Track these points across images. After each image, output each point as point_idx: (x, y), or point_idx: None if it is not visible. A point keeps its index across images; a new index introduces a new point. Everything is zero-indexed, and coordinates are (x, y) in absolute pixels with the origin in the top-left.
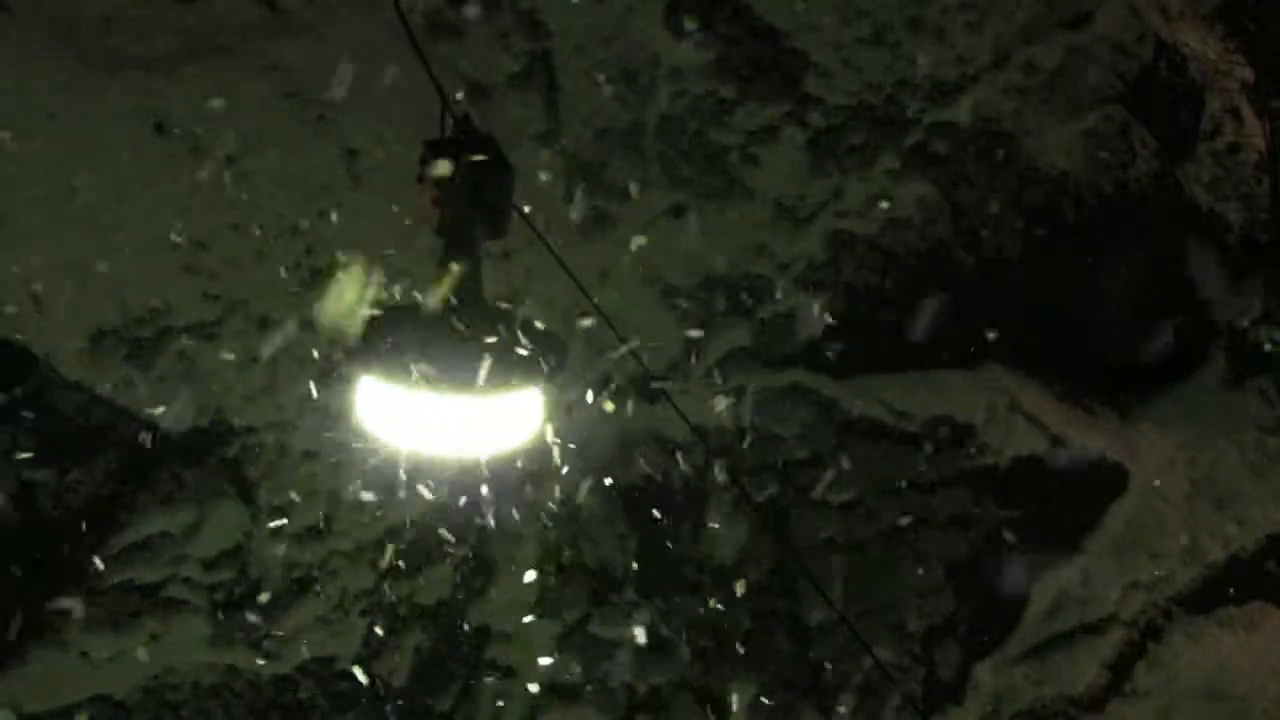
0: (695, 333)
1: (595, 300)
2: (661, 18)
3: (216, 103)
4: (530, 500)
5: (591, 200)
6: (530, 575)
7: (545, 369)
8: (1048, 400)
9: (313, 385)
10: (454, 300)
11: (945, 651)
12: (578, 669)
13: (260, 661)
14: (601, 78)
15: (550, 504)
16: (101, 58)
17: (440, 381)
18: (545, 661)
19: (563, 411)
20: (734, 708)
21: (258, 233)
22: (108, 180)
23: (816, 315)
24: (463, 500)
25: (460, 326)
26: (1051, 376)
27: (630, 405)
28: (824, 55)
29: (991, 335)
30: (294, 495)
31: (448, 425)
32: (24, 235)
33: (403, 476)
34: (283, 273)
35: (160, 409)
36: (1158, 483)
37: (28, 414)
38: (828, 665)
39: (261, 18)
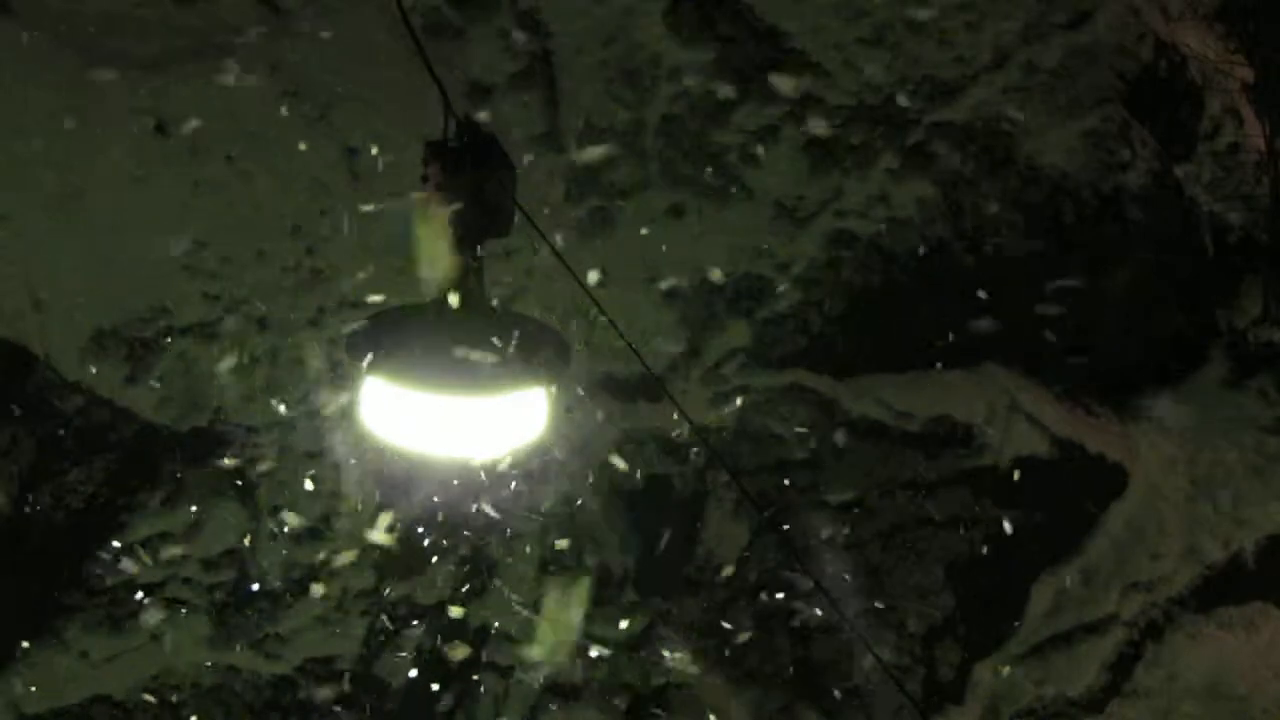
0: (695, 333)
1: (595, 300)
2: (661, 18)
3: (216, 103)
4: (530, 500)
5: (591, 200)
6: (530, 575)
7: (546, 368)
8: (1048, 400)
9: (313, 385)
10: (455, 300)
11: (945, 651)
12: (578, 669)
13: (260, 661)
14: (601, 78)
15: (550, 504)
16: (101, 58)
17: (440, 381)
18: (545, 661)
19: (563, 411)
20: (734, 708)
21: (257, 233)
22: (108, 180)
23: None
24: (463, 500)
25: (461, 326)
26: (1051, 376)
27: (630, 405)
28: (824, 55)
29: (991, 335)
30: (294, 495)
31: (448, 425)
32: (24, 235)
33: (403, 477)
34: (282, 273)
35: (160, 409)
36: (1158, 483)
37: (28, 414)
38: (828, 665)
39: (261, 18)
